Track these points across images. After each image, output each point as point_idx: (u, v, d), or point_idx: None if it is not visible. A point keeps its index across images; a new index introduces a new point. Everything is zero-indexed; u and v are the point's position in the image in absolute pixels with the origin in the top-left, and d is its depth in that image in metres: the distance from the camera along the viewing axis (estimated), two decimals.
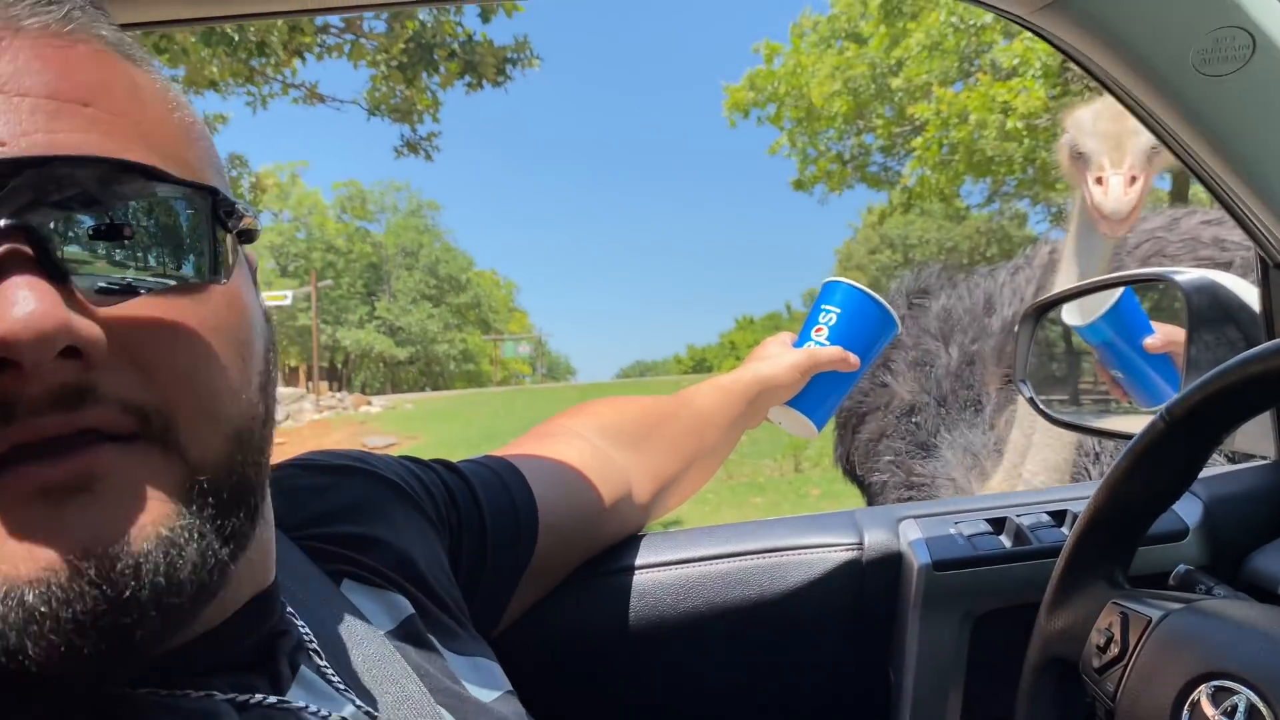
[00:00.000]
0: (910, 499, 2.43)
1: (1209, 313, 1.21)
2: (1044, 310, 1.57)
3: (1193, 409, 0.76)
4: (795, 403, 1.29)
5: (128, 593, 0.45)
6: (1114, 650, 0.77)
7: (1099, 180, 1.74)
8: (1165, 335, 1.37)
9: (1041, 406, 1.53)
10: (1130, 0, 0.87)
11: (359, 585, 0.75)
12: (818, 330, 1.30)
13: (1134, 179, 1.72)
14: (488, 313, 55.70)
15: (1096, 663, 0.78)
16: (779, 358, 1.27)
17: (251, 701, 0.56)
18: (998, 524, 1.13)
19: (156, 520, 0.47)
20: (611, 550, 1.11)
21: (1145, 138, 1.76)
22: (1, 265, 0.44)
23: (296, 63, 7.10)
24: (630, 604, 1.08)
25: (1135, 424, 1.52)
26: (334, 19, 7.08)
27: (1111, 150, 1.74)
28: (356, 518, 0.80)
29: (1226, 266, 2.19)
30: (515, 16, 6.78)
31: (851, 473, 2.87)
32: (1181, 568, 0.93)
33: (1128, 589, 0.83)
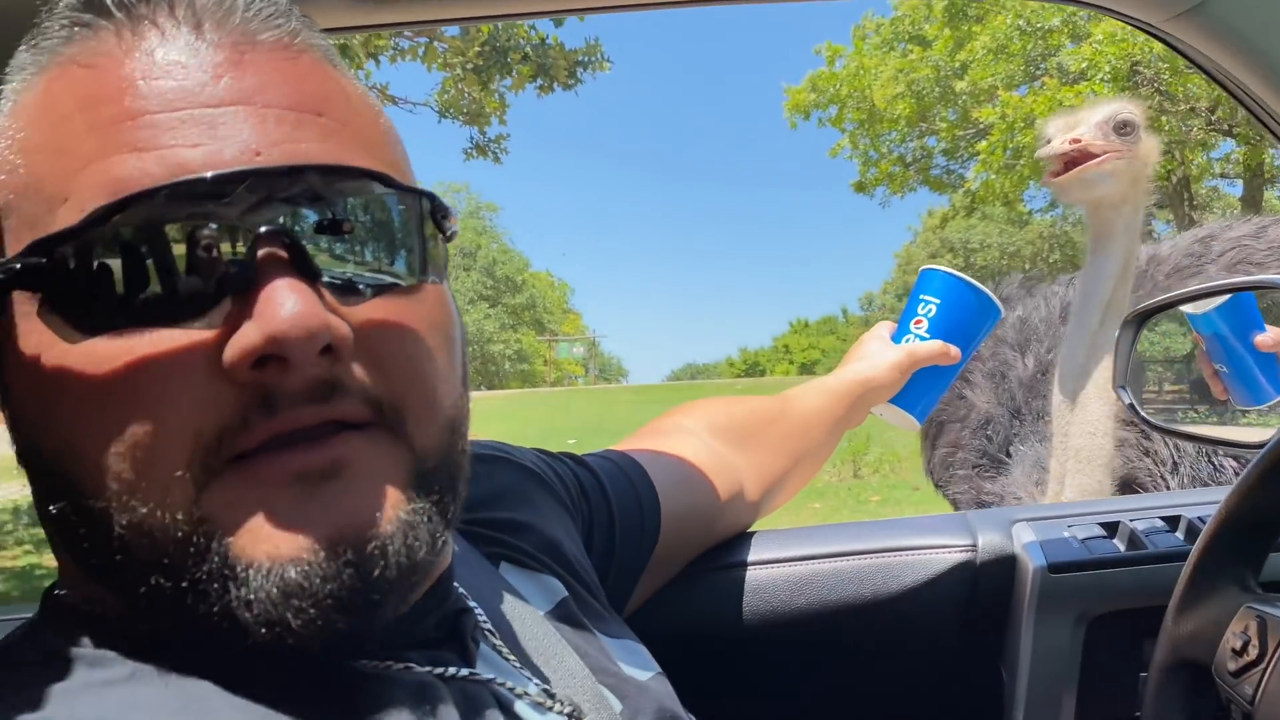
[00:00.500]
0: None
1: None
2: (1146, 316, 1.56)
3: None
4: (897, 399, 1.28)
5: (376, 572, 0.49)
6: (1251, 654, 0.78)
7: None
8: (1277, 335, 1.35)
9: (1142, 413, 1.52)
10: (1269, 9, 0.88)
11: (515, 568, 0.78)
12: (916, 323, 1.28)
13: (1077, 140, 1.75)
14: (542, 313, 55.97)
15: (1232, 666, 0.79)
16: (879, 356, 1.27)
17: (448, 675, 0.59)
18: (1111, 528, 1.13)
19: (396, 504, 0.51)
20: (725, 546, 1.14)
21: (1102, 113, 1.79)
22: (262, 267, 0.48)
23: (370, 64, 7.25)
24: (744, 599, 1.10)
25: (1238, 432, 1.52)
26: None
27: (1067, 127, 1.81)
28: (506, 504, 0.83)
29: None
30: (587, 19, 6.85)
31: (936, 485, 2.86)
32: None
33: (1261, 593, 0.83)
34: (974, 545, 1.12)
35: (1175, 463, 2.20)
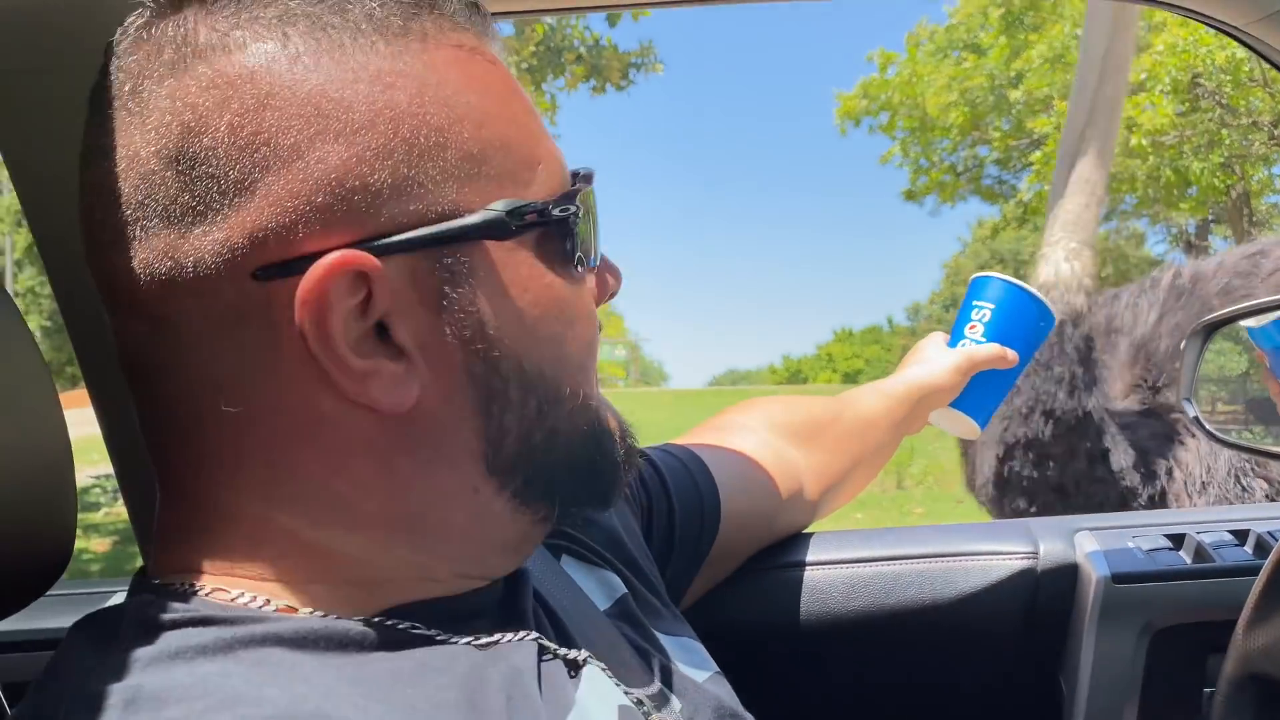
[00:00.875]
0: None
1: None
2: (1214, 328, 1.53)
3: None
4: (957, 404, 1.27)
5: None
6: None
7: None
8: None
9: (1208, 427, 1.49)
10: None
11: (577, 562, 0.79)
12: (971, 328, 1.27)
13: None
14: None
15: None
16: (937, 360, 1.26)
17: (503, 641, 0.61)
18: (1177, 540, 1.11)
19: None
20: (783, 545, 1.14)
21: None
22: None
23: None
24: (801, 599, 1.10)
25: None
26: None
27: None
28: None
29: None
30: (641, 20, 6.86)
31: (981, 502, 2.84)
32: None
33: None
34: (1035, 553, 1.11)
35: (1205, 483, 2.16)
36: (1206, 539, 1.09)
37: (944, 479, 9.72)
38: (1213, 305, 2.24)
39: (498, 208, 0.55)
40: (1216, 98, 13.13)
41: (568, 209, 0.59)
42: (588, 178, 0.63)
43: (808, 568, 1.12)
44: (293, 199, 0.51)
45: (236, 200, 0.51)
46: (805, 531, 1.18)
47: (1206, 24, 0.95)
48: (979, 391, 1.27)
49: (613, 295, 0.68)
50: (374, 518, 0.57)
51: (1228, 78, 12.33)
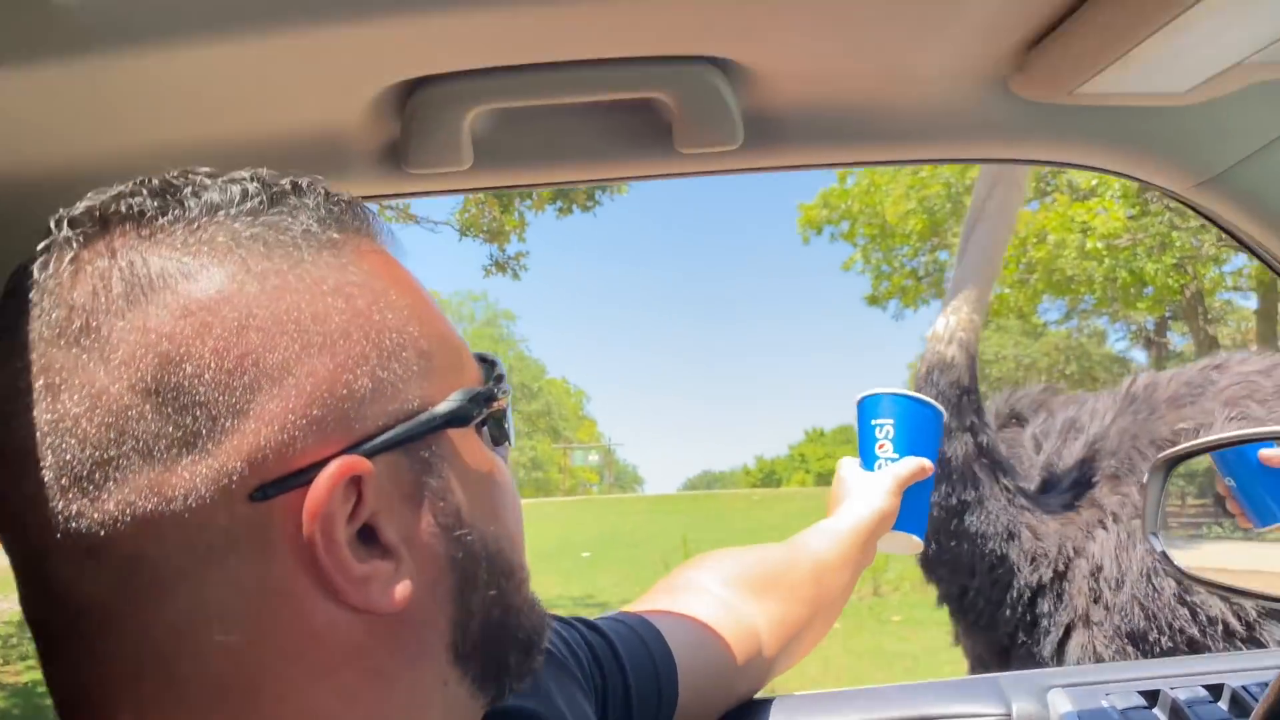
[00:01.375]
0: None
1: None
2: (1175, 461, 1.53)
3: None
4: (897, 525, 1.28)
5: None
6: None
7: None
8: None
9: (1175, 564, 1.47)
10: None
11: None
12: (881, 447, 1.30)
13: None
14: (557, 420, 55.99)
15: None
16: (871, 488, 1.27)
17: None
18: (1151, 697, 1.08)
19: None
20: (745, 712, 1.09)
21: None
22: None
23: None
24: None
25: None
26: None
27: None
28: None
29: None
30: None
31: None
32: None
33: None
34: (1008, 715, 1.07)
35: (1119, 579, 2.16)
36: (1181, 695, 1.06)
37: (920, 584, 9.59)
38: (1161, 413, 2.27)
39: (457, 398, 0.58)
40: (1164, 201, 13.57)
41: (507, 391, 0.64)
42: (496, 362, 0.66)
43: None
44: (290, 415, 0.52)
45: (229, 424, 0.51)
46: (765, 696, 1.13)
47: (1149, 188, 0.97)
48: (909, 506, 1.29)
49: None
50: None
51: None
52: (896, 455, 1.29)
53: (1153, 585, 1.98)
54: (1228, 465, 1.49)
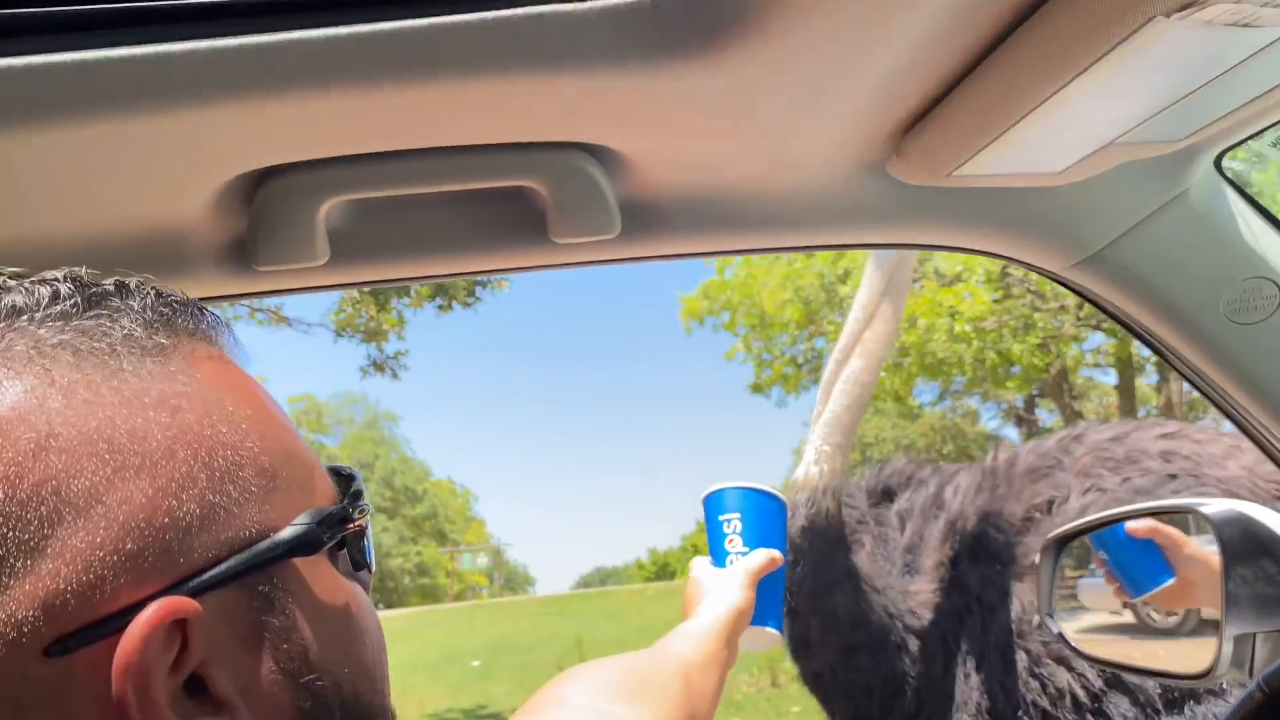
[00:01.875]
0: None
1: (1242, 546, 1.18)
2: (1063, 541, 1.53)
3: None
4: (754, 621, 1.26)
5: None
6: None
7: None
8: (1147, 523, 1.35)
9: (1072, 643, 1.47)
10: (1164, 255, 0.89)
11: None
12: (730, 542, 1.29)
13: None
14: (444, 523, 54.69)
15: None
16: (725, 585, 1.24)
17: None
18: None
19: None
20: None
21: None
22: None
23: None
24: None
25: (1176, 662, 1.47)
26: None
27: None
28: None
29: (1171, 479, 2.23)
30: None
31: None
32: None
33: None
34: None
35: (1004, 671, 2.20)
36: None
37: None
38: (1016, 488, 2.34)
39: (304, 521, 0.51)
40: (1025, 284, 14.31)
41: (363, 510, 0.57)
42: (353, 476, 0.60)
43: None
44: (96, 551, 0.44)
45: (21, 565, 0.42)
46: None
47: (1027, 269, 0.97)
48: (764, 599, 1.27)
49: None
50: None
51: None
52: (746, 549, 1.27)
53: (1005, 660, 2.01)
54: (1100, 541, 1.51)
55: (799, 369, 19.43)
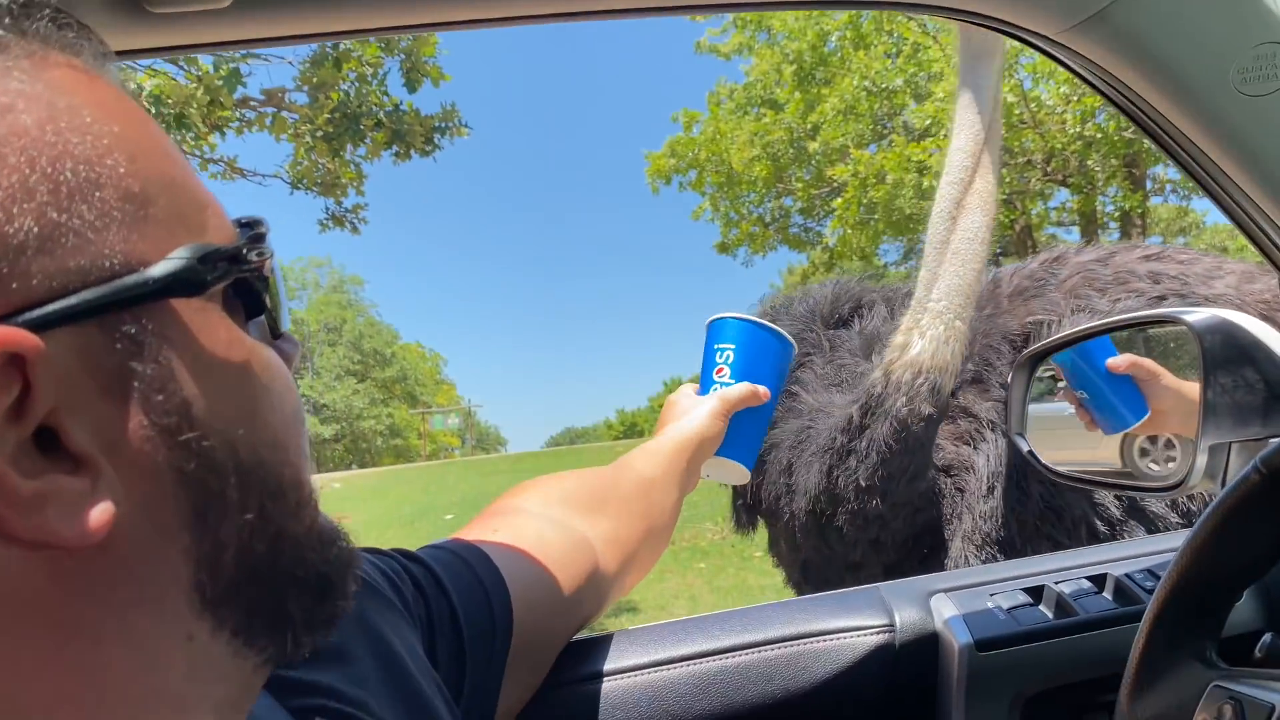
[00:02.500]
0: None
1: (1223, 354, 1.14)
2: (1038, 358, 1.49)
3: None
4: (723, 450, 1.24)
5: None
6: None
7: None
8: (1128, 358, 1.32)
9: (1042, 461, 1.45)
10: (1171, 16, 0.81)
11: None
12: (719, 372, 1.27)
13: None
14: (414, 386, 54.97)
15: None
16: (696, 411, 1.23)
17: None
18: (1035, 593, 1.03)
19: None
20: (614, 648, 0.99)
21: None
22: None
23: (215, 137, 6.91)
24: (639, 709, 0.95)
25: (1148, 474, 1.46)
26: (254, 93, 6.94)
27: None
28: None
29: (1160, 299, 2.16)
30: (442, 85, 6.69)
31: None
32: (1268, 637, 0.83)
33: (1226, 669, 0.73)
34: (891, 625, 1.00)
35: (990, 487, 2.07)
36: (1066, 589, 1.01)
37: None
38: (1007, 308, 2.22)
39: (182, 255, 0.44)
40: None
41: (262, 253, 0.49)
42: (261, 222, 0.52)
43: (644, 672, 0.96)
44: None
45: None
46: (640, 626, 1.03)
47: (1016, 37, 0.88)
48: (738, 434, 1.25)
49: (296, 371, 0.54)
50: (48, 709, 0.39)
51: (1002, 121, 13.27)
52: (731, 381, 1.25)
53: (1022, 490, 1.95)
54: (1079, 378, 1.48)
55: (766, 228, 19.28)
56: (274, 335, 0.53)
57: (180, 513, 0.42)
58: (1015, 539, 1.95)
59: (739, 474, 1.27)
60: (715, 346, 1.29)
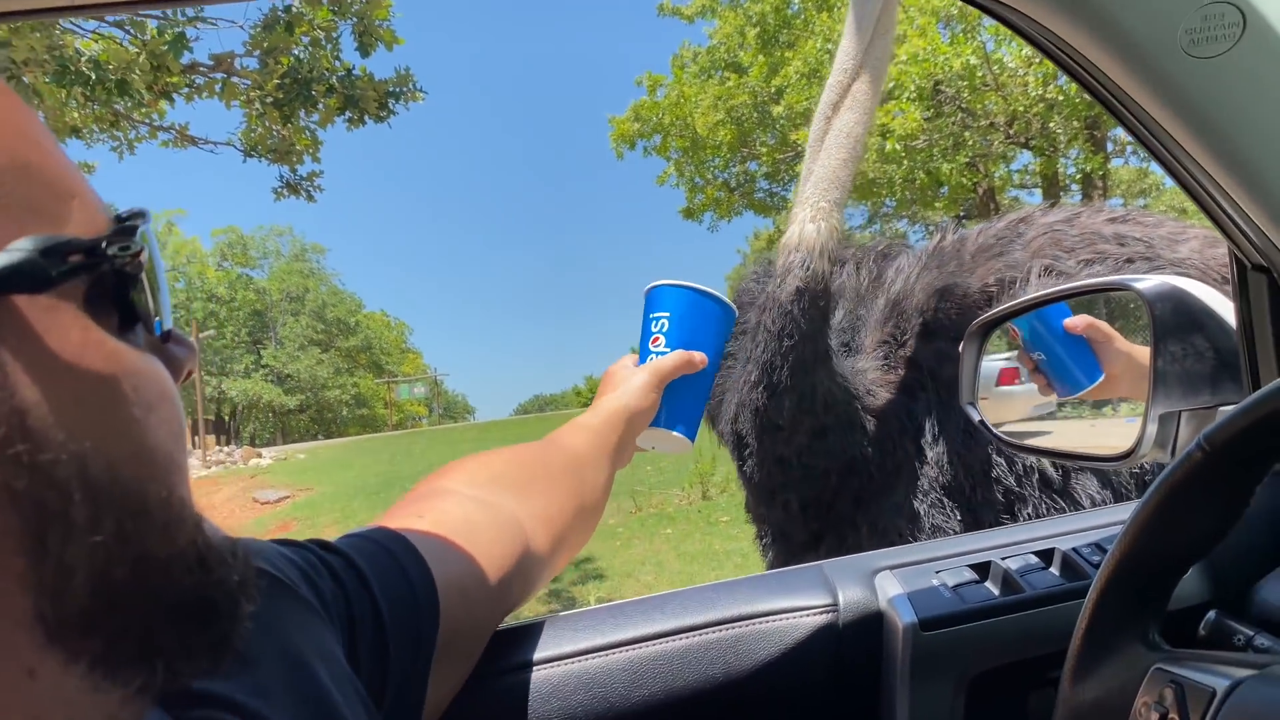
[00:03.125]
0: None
1: (1173, 321, 1.12)
2: (990, 326, 1.47)
3: (1237, 436, 0.65)
4: (656, 421, 1.22)
5: None
6: None
7: None
8: (1084, 319, 1.31)
9: (994, 431, 1.43)
10: None
11: None
12: (654, 341, 1.24)
13: None
14: (380, 355, 54.61)
15: None
16: (627, 383, 1.20)
17: None
18: (982, 570, 1.01)
19: None
20: (546, 634, 0.96)
21: None
22: None
23: (164, 104, 6.73)
24: (574, 698, 0.92)
25: (1099, 444, 1.44)
26: (203, 58, 6.76)
27: None
28: None
29: (1128, 263, 2.15)
30: (396, 49, 6.52)
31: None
32: (1212, 614, 0.82)
33: (1169, 650, 0.71)
34: (835, 605, 0.97)
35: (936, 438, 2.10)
36: (1012, 565, 0.99)
37: None
38: (969, 266, 2.21)
39: (24, 247, 0.40)
40: (957, 102, 14.13)
41: (129, 247, 0.44)
42: (141, 214, 0.47)
43: (580, 659, 0.93)
44: None
45: None
46: (574, 611, 1.00)
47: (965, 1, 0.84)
48: (676, 403, 1.22)
49: (189, 376, 0.49)
50: None
51: (965, 83, 13.28)
52: (667, 350, 1.22)
53: (970, 437, 1.95)
54: (1036, 340, 1.46)
55: (731, 193, 19.23)
56: (164, 339, 0.48)
57: (12, 534, 0.38)
58: (964, 485, 1.95)
59: (680, 444, 1.24)
60: (651, 315, 1.26)
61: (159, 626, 0.43)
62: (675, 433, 1.21)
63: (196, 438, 26.74)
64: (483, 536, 0.90)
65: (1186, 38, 0.81)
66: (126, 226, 0.45)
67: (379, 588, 0.78)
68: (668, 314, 1.24)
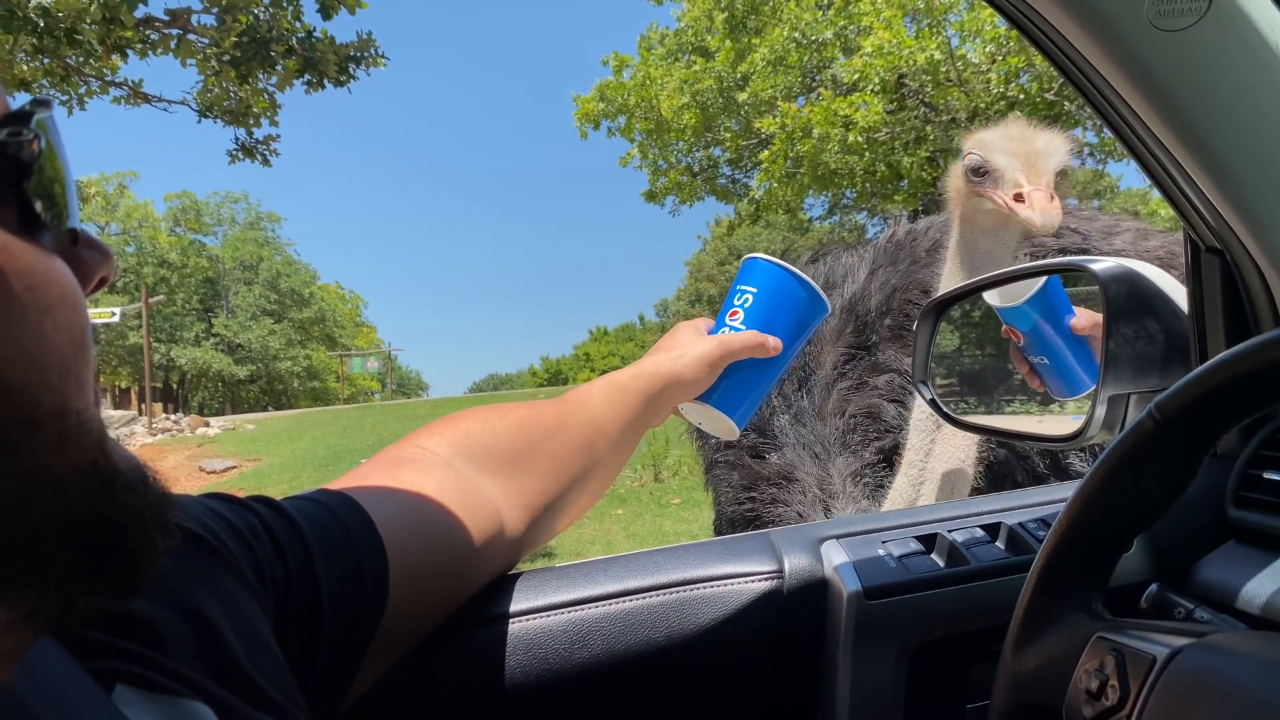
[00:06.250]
0: (750, 499, 2.21)
1: (1126, 303, 1.13)
2: (944, 306, 1.47)
3: (1188, 406, 0.65)
4: (708, 397, 1.14)
5: None
6: (1111, 697, 0.64)
7: (1019, 198, 1.66)
8: (1089, 317, 1.30)
9: (945, 409, 1.43)
10: None
11: (138, 692, 0.54)
12: (733, 314, 1.16)
13: (1052, 196, 1.66)
14: (333, 328, 53.91)
15: (1089, 712, 0.66)
16: (687, 349, 1.12)
17: None
18: (928, 541, 1.00)
19: None
20: (487, 594, 0.93)
21: (1056, 159, 1.69)
22: None
23: (116, 59, 6.54)
24: (513, 659, 0.90)
25: (1046, 425, 1.45)
26: (158, 12, 6.58)
27: (1028, 168, 1.67)
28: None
29: (1062, 253, 2.17)
30: (359, 13, 6.39)
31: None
32: (1154, 587, 0.82)
33: (1111, 619, 0.71)
34: (780, 571, 0.96)
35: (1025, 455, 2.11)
36: (959, 537, 0.99)
37: (698, 469, 9.91)
38: (921, 259, 2.21)
39: None
40: (920, 96, 14.23)
41: (19, 133, 0.41)
42: (44, 103, 0.43)
43: (519, 619, 0.91)
44: None
45: None
46: (516, 572, 0.98)
47: None
48: (734, 385, 1.15)
49: (102, 283, 0.46)
50: None
51: (929, 78, 13.38)
52: (742, 327, 1.14)
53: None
54: (1039, 341, 1.45)
55: (694, 178, 19.21)
56: (72, 242, 0.45)
57: None
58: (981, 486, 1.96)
59: (725, 428, 1.16)
60: (738, 288, 1.18)
61: (52, 550, 0.41)
62: (724, 415, 1.14)
63: (144, 405, 26.22)
64: (452, 517, 0.85)
65: (1154, 9, 0.81)
66: (21, 112, 0.42)
67: (323, 561, 0.74)
68: (754, 290, 1.16)
